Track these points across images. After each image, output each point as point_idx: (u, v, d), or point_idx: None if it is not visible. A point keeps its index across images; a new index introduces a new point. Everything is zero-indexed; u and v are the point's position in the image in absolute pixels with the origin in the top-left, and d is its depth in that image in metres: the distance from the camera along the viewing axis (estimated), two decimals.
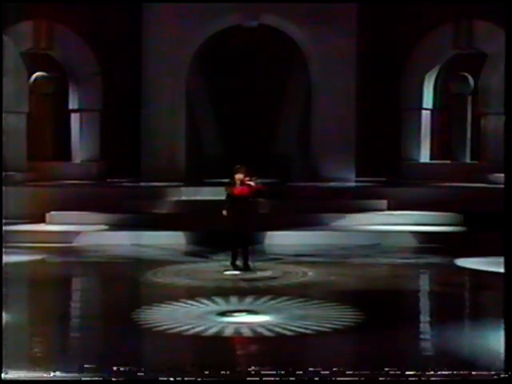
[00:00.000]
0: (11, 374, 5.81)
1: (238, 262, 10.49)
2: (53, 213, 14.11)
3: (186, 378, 5.74)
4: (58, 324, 7.92)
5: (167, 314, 7.95)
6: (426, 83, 17.87)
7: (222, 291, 9.05)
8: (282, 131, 18.13)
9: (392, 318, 8.19)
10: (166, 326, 7.44)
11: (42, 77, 17.75)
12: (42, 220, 13.97)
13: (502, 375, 5.75)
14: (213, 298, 8.62)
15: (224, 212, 10.40)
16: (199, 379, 5.78)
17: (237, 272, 10.30)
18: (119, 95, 17.62)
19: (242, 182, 10.37)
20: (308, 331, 7.28)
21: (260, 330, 7.27)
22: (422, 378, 5.84)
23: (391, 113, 17.87)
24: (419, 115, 17.96)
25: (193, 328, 7.36)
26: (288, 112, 18.09)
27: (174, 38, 16.66)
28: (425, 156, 18.12)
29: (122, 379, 5.82)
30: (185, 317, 7.82)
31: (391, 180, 16.99)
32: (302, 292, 9.13)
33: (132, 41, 17.28)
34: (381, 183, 16.57)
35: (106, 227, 13.68)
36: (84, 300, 9.43)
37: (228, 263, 10.63)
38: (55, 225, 13.80)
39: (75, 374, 5.92)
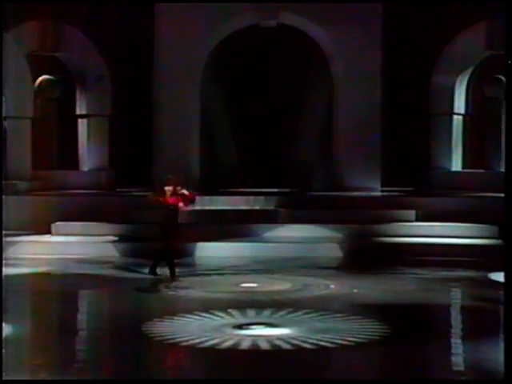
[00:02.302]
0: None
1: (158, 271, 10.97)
2: (58, 223, 14.31)
3: None
4: (66, 337, 8.08)
5: (180, 327, 8.08)
6: (457, 86, 17.91)
7: (239, 304, 9.18)
8: (302, 137, 18.24)
9: (420, 332, 8.28)
10: (179, 339, 7.57)
11: (48, 80, 18.00)
12: (48, 231, 14.18)
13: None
14: (228, 310, 8.75)
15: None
16: None
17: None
18: (129, 100, 17.82)
19: (174, 193, 10.75)
20: (329, 344, 7.39)
21: (278, 342, 7.39)
22: None
23: (420, 118, 17.93)
24: (450, 120, 17.99)
25: (208, 341, 7.49)
26: (308, 117, 18.21)
27: (188, 39, 16.84)
28: (456, 164, 18.14)
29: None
30: (199, 329, 7.95)
31: (420, 190, 17.04)
32: (323, 305, 9.23)
33: (143, 42, 17.48)
34: (408, 193, 16.63)
35: (115, 238, 13.86)
36: (92, 313, 9.60)
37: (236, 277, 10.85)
38: (61, 236, 14.01)
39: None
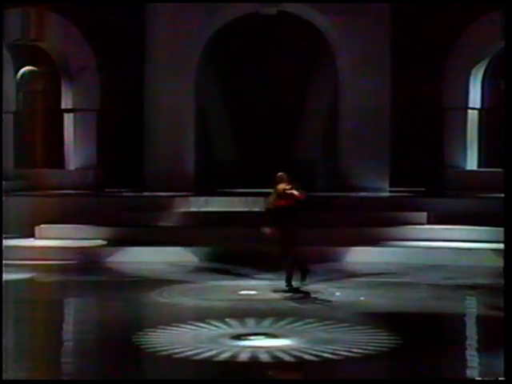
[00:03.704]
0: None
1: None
2: (43, 226, 14.32)
3: None
4: (51, 349, 8.09)
5: (174, 338, 8.08)
6: (472, 79, 17.94)
7: (237, 313, 9.19)
8: (305, 133, 18.27)
9: (431, 343, 8.29)
10: (172, 351, 7.57)
11: (31, 72, 18.02)
12: (31, 234, 14.18)
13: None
14: (226, 320, 8.76)
15: (266, 230, 10.50)
16: None
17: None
18: (119, 93, 17.81)
19: (285, 193, 10.44)
20: (334, 356, 7.40)
21: (279, 354, 7.39)
22: None
23: (432, 113, 17.96)
24: (465, 116, 18.02)
25: (203, 352, 7.49)
26: (312, 112, 18.23)
27: (183, 28, 16.84)
28: (471, 163, 18.17)
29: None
30: (194, 340, 7.96)
31: (432, 190, 17.06)
32: (328, 314, 9.23)
33: (134, 31, 17.47)
34: (420, 194, 16.64)
35: (104, 242, 13.87)
36: (78, 322, 9.59)
37: (241, 283, 10.85)
38: (46, 239, 14.01)
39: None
